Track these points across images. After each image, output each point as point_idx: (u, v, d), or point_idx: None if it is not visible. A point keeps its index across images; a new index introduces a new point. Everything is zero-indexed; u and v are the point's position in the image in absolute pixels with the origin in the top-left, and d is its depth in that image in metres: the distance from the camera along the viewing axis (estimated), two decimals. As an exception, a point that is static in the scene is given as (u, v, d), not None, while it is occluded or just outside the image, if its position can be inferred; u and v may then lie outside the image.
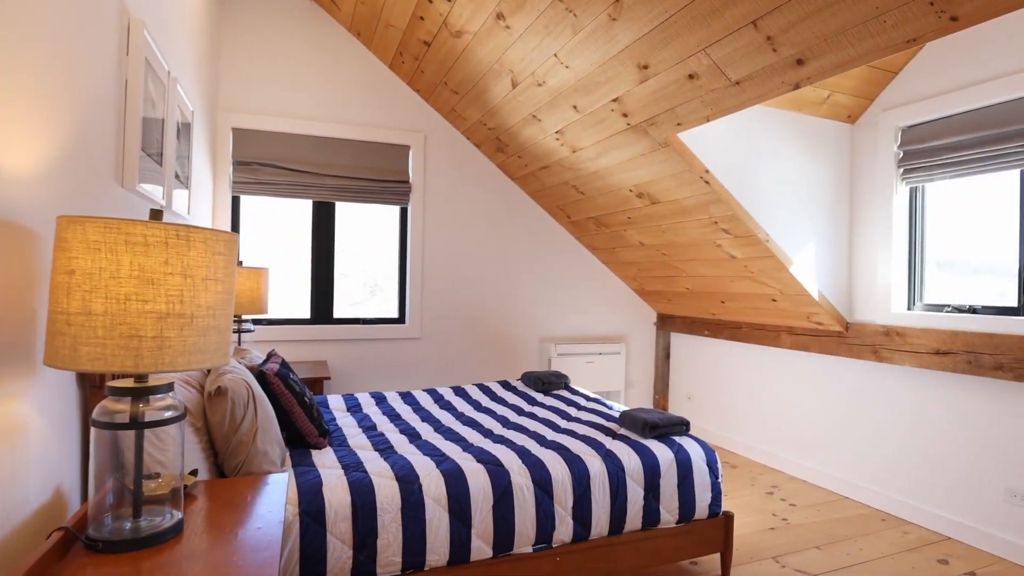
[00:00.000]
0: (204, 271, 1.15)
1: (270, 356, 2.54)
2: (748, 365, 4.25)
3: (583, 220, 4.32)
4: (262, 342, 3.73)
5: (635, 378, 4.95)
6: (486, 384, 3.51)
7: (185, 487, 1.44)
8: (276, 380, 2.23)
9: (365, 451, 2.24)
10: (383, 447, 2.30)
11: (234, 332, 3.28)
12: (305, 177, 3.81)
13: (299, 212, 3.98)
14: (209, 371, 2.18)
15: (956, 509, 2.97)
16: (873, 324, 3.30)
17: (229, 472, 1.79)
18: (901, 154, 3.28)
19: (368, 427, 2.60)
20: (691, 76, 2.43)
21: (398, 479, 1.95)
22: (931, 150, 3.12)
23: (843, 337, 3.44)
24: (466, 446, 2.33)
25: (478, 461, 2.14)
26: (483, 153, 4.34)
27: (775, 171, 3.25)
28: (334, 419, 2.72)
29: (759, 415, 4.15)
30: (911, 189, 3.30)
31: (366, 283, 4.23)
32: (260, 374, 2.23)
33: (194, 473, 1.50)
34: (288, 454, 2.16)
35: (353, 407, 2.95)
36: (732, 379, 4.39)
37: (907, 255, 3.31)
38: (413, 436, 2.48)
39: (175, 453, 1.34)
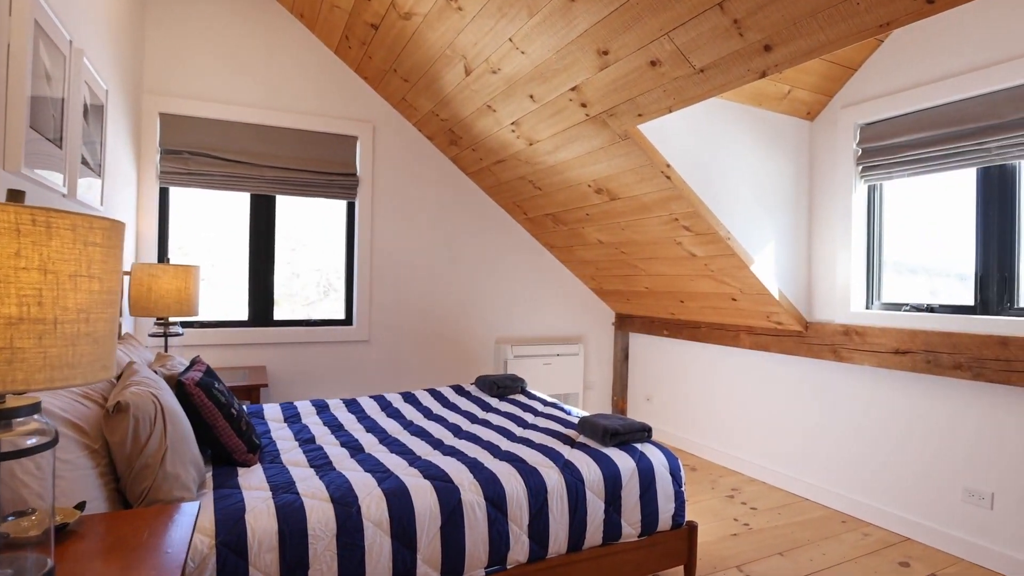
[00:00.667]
0: (72, 266, 0.93)
1: (193, 363, 2.28)
2: (707, 365, 4.19)
3: (540, 217, 4.17)
4: (192, 347, 3.43)
5: (593, 380, 4.83)
6: (438, 389, 3.32)
7: (66, 525, 1.21)
8: (197, 391, 1.98)
9: (299, 468, 2.02)
10: (320, 463, 2.08)
11: (160, 336, 2.99)
12: (242, 168, 3.53)
13: (238, 206, 3.69)
14: (119, 379, 1.92)
15: (915, 509, 2.94)
16: (832, 323, 3.26)
17: (134, 500, 1.55)
18: (860, 152, 3.24)
19: (305, 440, 2.37)
20: (653, 63, 2.30)
21: (334, 501, 1.74)
22: (889, 148, 3.09)
23: (803, 337, 3.39)
24: (413, 459, 2.14)
25: (425, 477, 1.95)
26: (435, 146, 4.14)
27: (735, 167, 3.17)
28: (268, 431, 2.48)
29: (719, 416, 4.08)
30: (869, 187, 3.28)
31: (319, 283, 3.98)
32: (179, 384, 1.99)
33: (80, 507, 1.26)
34: (211, 474, 1.92)
35: (291, 417, 2.72)
36: (691, 380, 4.32)
37: (865, 253, 3.28)
38: (355, 449, 2.27)
39: (54, 484, 1.11)
